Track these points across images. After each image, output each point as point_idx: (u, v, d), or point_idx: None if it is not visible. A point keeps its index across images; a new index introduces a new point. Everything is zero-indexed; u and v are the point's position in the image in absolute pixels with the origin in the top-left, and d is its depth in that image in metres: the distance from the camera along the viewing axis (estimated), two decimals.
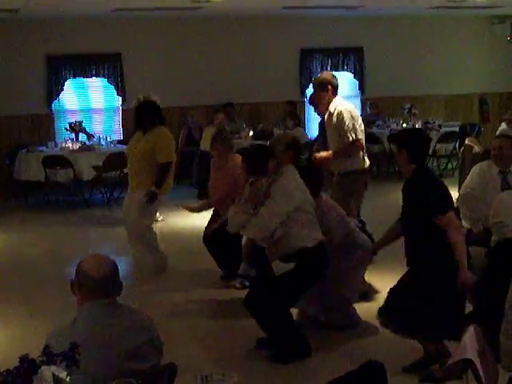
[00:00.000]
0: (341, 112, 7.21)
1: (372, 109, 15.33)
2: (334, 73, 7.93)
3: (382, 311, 5.41)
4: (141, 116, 8.19)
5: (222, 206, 7.47)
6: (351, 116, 7.23)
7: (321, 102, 7.46)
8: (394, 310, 5.31)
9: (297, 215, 5.67)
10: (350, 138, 7.16)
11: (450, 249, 5.05)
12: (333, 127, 7.28)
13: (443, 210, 5.04)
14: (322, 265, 5.79)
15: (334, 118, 7.24)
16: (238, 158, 7.35)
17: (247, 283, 7.45)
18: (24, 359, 2.61)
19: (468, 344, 3.44)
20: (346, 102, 7.57)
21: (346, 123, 7.18)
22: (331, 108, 7.30)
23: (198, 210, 8.21)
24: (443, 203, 5.11)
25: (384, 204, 10.70)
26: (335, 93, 7.36)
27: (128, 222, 8.30)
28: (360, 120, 7.39)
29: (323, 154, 7.33)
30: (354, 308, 6.53)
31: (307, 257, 5.66)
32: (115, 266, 3.47)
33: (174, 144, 8.36)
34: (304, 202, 5.74)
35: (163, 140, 8.05)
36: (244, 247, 6.01)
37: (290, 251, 5.68)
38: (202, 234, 7.94)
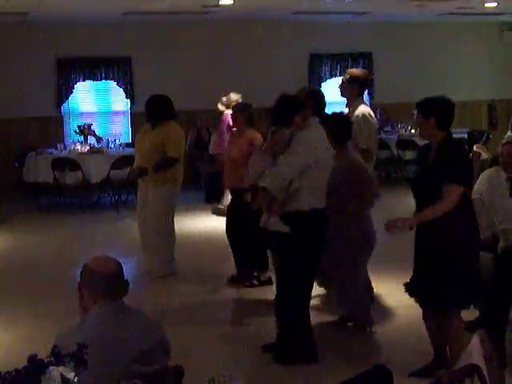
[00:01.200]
0: (362, 115, 7.04)
1: (382, 115, 15.29)
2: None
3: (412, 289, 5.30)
4: (151, 109, 8.15)
5: (227, 172, 7.85)
6: (369, 124, 7.09)
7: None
8: (420, 284, 5.20)
9: (312, 171, 5.53)
10: (361, 146, 6.90)
11: (464, 218, 5.00)
12: None
13: (459, 181, 4.93)
14: (316, 231, 5.65)
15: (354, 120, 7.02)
16: (254, 134, 7.65)
17: (256, 282, 7.69)
18: (32, 359, 2.62)
19: (474, 349, 3.45)
20: (369, 107, 7.38)
21: (362, 130, 6.97)
22: (355, 107, 7.17)
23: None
24: (464, 176, 5.02)
25: (393, 210, 10.64)
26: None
27: (145, 220, 8.27)
28: (375, 128, 7.29)
29: None
30: (368, 304, 6.48)
31: (302, 220, 5.56)
32: (120, 265, 3.48)
33: (183, 140, 8.36)
34: (323, 159, 5.59)
35: (173, 135, 8.04)
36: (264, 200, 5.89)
37: (289, 209, 5.58)
38: (225, 226, 8.10)
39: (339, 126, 6.26)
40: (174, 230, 8.35)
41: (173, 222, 8.34)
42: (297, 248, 5.57)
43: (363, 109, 7.12)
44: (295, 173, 5.50)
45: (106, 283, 3.36)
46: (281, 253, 5.81)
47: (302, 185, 5.51)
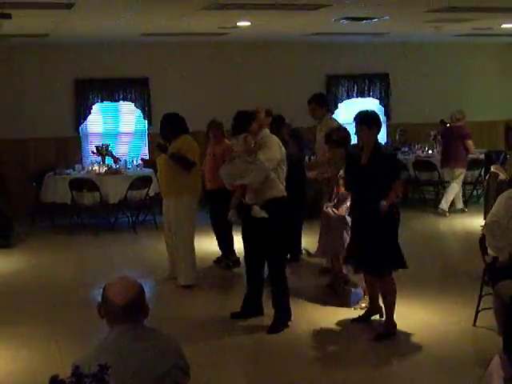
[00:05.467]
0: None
1: (401, 136, 15.21)
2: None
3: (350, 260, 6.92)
4: (164, 127, 8.55)
5: (210, 173, 9.30)
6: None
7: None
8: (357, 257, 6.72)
9: (279, 166, 6.90)
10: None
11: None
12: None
13: (399, 176, 6.73)
14: (286, 212, 6.98)
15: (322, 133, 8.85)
16: (228, 142, 9.08)
17: (230, 264, 9.39)
18: (54, 380, 2.63)
19: (495, 371, 3.43)
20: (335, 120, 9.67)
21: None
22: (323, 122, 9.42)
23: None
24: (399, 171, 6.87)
25: (411, 230, 10.59)
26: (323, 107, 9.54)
27: (171, 230, 8.65)
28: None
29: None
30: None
31: (279, 205, 6.87)
32: (141, 290, 3.42)
33: (197, 149, 8.61)
34: (284, 156, 7.00)
35: (186, 145, 8.42)
36: (234, 198, 7.24)
37: (268, 198, 6.83)
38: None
39: (342, 137, 7.74)
40: (193, 241, 8.66)
41: (193, 232, 8.65)
42: (276, 227, 6.87)
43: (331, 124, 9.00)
44: (273, 167, 6.81)
45: (123, 313, 3.32)
46: (263, 234, 6.91)
47: (275, 176, 6.85)
